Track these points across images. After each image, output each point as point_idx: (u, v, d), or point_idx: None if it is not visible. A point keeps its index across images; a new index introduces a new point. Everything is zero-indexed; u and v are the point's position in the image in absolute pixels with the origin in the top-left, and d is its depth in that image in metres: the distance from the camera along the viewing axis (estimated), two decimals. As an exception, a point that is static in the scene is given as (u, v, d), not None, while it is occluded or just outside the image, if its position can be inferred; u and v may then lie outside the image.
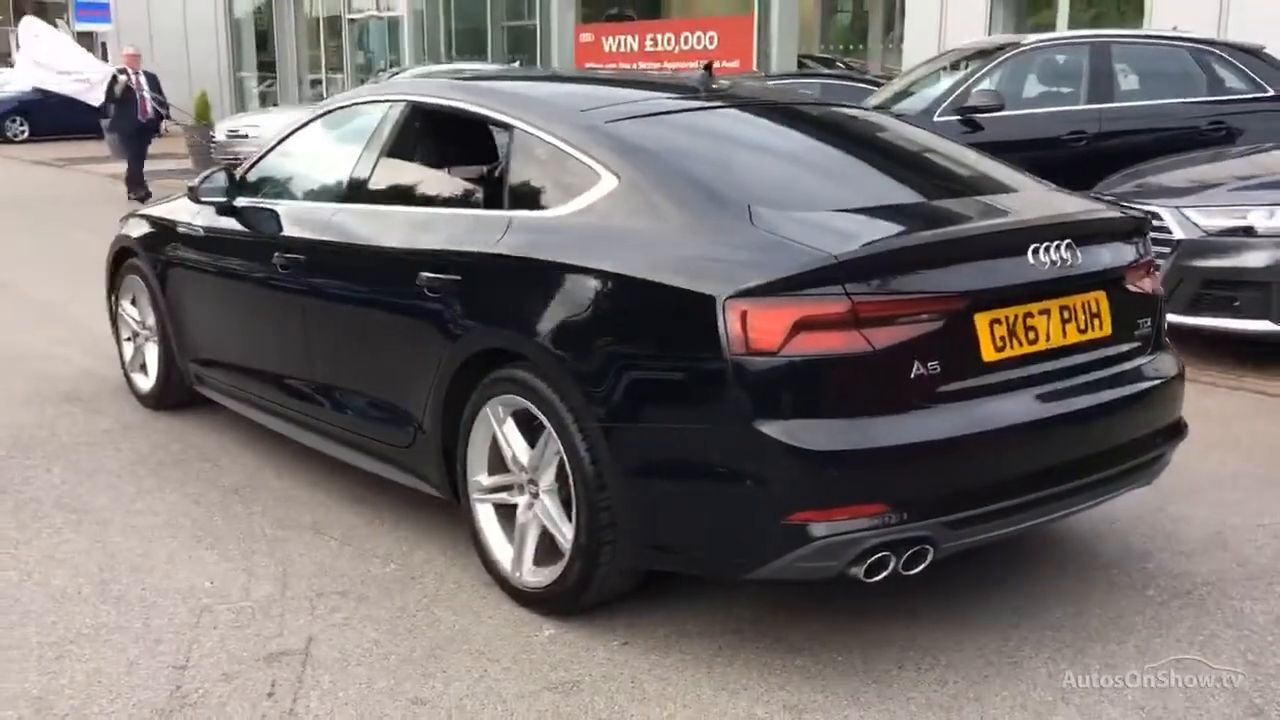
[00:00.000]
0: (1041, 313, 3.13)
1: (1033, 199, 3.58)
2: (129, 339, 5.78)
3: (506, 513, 3.58)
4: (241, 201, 4.77)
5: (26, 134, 24.54)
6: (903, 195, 3.57)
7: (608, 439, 3.12)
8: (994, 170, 3.76)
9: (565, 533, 3.31)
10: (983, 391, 3.01)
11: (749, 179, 3.38)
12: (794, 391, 2.87)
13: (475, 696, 3.02)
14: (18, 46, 16.00)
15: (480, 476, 3.61)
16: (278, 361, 4.61)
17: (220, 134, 15.36)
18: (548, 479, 3.39)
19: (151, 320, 5.50)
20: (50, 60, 14.76)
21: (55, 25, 17.99)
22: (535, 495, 3.44)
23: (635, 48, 17.68)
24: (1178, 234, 6.13)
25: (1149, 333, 3.46)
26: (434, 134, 4.18)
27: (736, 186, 3.26)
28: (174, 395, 5.48)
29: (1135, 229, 3.50)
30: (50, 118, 24.58)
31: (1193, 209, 6.23)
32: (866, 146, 3.99)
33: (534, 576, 3.44)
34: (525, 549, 3.48)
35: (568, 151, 3.50)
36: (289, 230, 4.44)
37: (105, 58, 30.95)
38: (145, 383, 5.65)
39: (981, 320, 3.01)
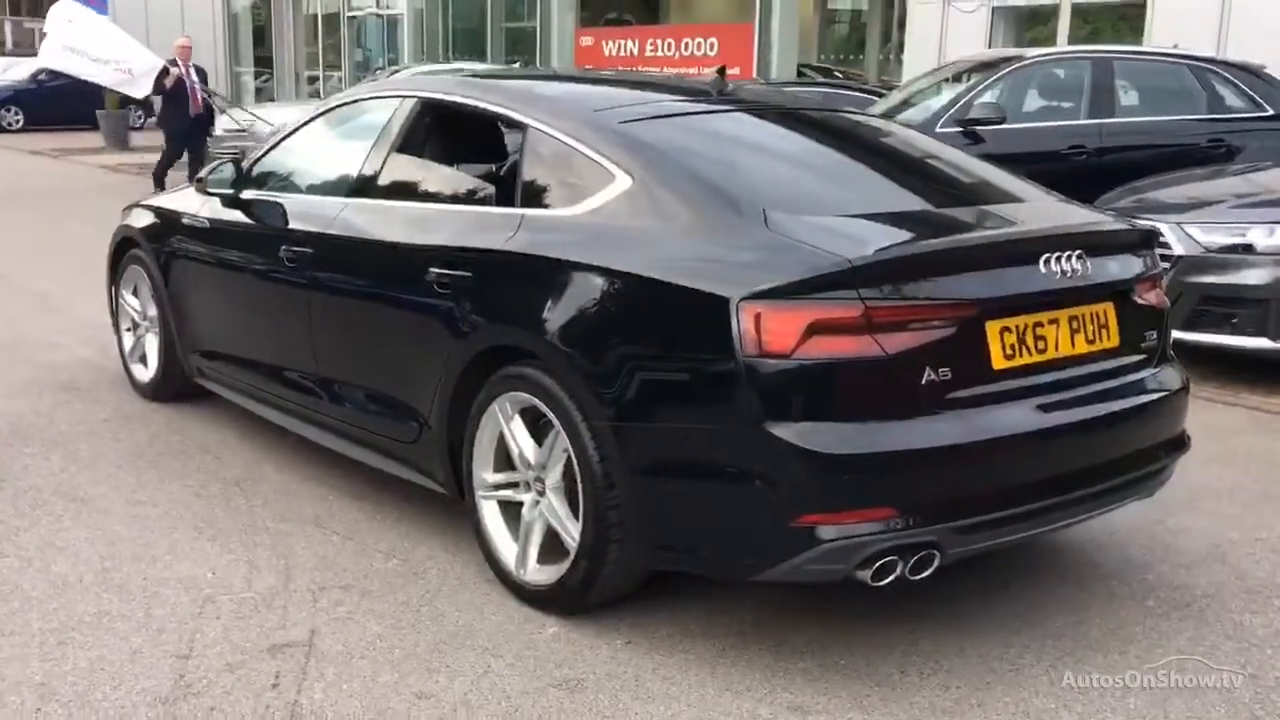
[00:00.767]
0: (1051, 322, 3.15)
1: (1042, 209, 3.60)
2: (129, 329, 5.77)
3: (511, 510, 3.58)
4: (248, 194, 4.77)
5: (21, 123, 24.46)
6: (914, 202, 3.60)
7: (616, 438, 3.13)
8: (1002, 180, 3.78)
9: (571, 531, 3.32)
10: (991, 399, 3.03)
11: (762, 182, 3.40)
12: (805, 394, 2.88)
13: (480, 692, 3.02)
14: (43, 32, 15.27)
15: (486, 473, 3.62)
16: (282, 354, 4.61)
17: (219, 129, 15.28)
18: (554, 477, 3.39)
19: (153, 311, 5.49)
20: (86, 46, 13.56)
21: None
22: (541, 493, 3.45)
23: (635, 52, 17.72)
24: (1177, 250, 6.16)
25: (1155, 345, 3.48)
26: (445, 131, 4.19)
27: (750, 189, 3.27)
28: (173, 387, 5.48)
29: (1143, 242, 3.53)
30: (45, 107, 24.57)
31: (1193, 225, 6.27)
32: (878, 153, 4.01)
33: (538, 574, 3.45)
34: (530, 547, 3.48)
35: (581, 151, 3.51)
36: (296, 223, 4.44)
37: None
38: (144, 374, 5.64)
39: (992, 328, 3.03)
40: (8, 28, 39.78)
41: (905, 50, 15.44)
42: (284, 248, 4.37)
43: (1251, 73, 8.84)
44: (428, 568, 3.76)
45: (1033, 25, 14.75)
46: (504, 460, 3.58)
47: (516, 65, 19.52)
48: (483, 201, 3.89)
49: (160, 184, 13.32)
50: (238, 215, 4.78)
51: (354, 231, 4.15)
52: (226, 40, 26.70)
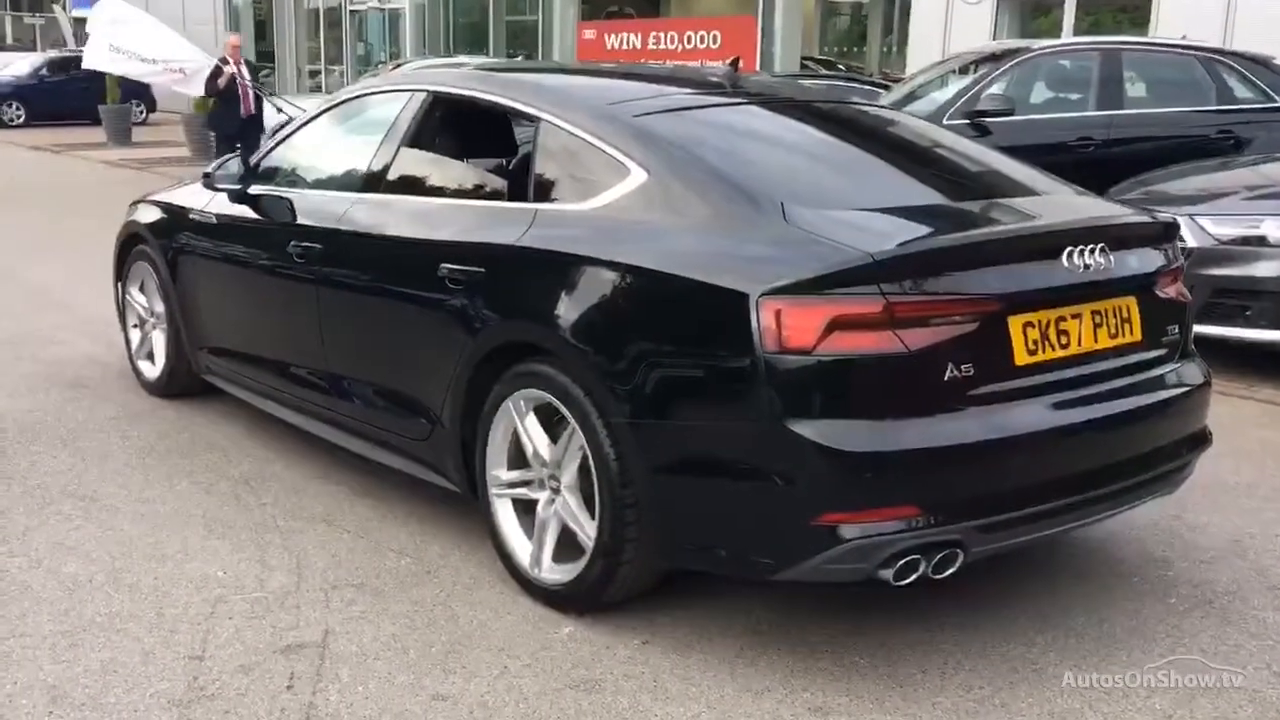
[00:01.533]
0: (1074, 317, 3.11)
1: (1061, 201, 3.56)
2: (136, 326, 5.73)
3: (526, 508, 3.55)
4: (256, 189, 4.73)
5: (23, 119, 24.41)
6: (932, 195, 3.56)
7: (633, 435, 3.09)
8: (1020, 172, 3.73)
9: (587, 530, 3.28)
10: (1014, 395, 2.98)
11: (780, 175, 3.36)
12: (827, 391, 2.84)
13: (496, 693, 2.99)
14: (80, 36, 14.69)
15: (500, 471, 3.58)
16: (291, 351, 4.57)
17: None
18: (570, 475, 3.35)
19: (160, 307, 5.45)
20: (134, 46, 13.28)
21: (54, 10, 16.83)
22: (556, 491, 3.41)
23: (637, 46, 17.63)
24: (1190, 242, 6.10)
25: (1177, 339, 3.44)
26: (456, 125, 4.15)
27: (768, 183, 3.23)
28: (180, 384, 5.44)
29: (1165, 234, 3.48)
30: (47, 102, 24.53)
31: (1205, 217, 6.22)
32: (894, 145, 3.96)
33: (554, 573, 3.41)
34: (545, 545, 3.44)
35: (595, 145, 3.47)
36: (305, 219, 4.40)
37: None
38: (152, 370, 5.60)
39: (1015, 323, 2.98)
40: (8, 23, 39.72)
41: (909, 43, 15.39)
42: (292, 243, 4.33)
43: (1261, 64, 8.79)
44: (441, 566, 3.72)
45: (1037, 17, 14.70)
46: (518, 458, 3.54)
47: (519, 59, 19.47)
48: (495, 196, 3.86)
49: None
50: (245, 211, 4.74)
51: (363, 227, 4.11)
52: (228, 34, 26.61)
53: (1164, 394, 3.32)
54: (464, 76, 4.24)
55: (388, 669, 3.09)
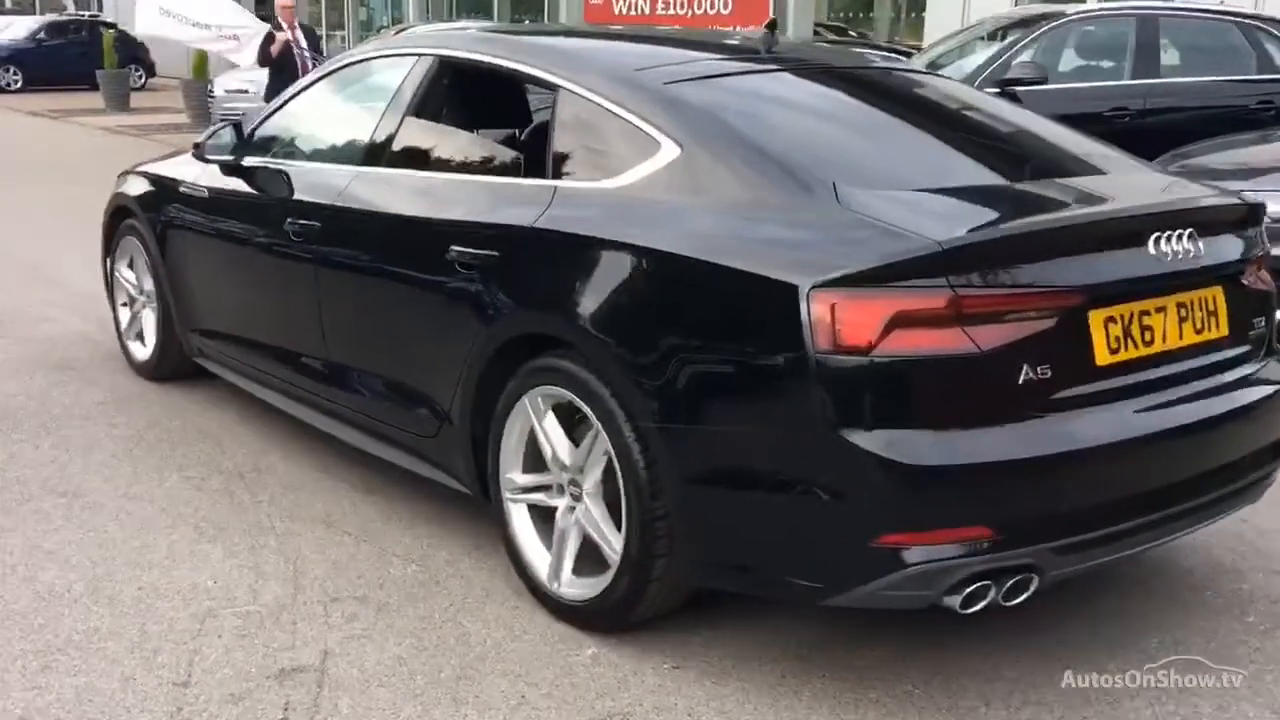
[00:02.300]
0: (1158, 310, 2.78)
1: (1136, 181, 3.23)
2: (125, 304, 5.42)
3: (543, 515, 3.24)
4: (250, 160, 4.39)
5: (20, 84, 23.99)
6: (995, 174, 3.21)
7: (665, 440, 2.78)
8: (1085, 146, 3.40)
9: (612, 542, 2.97)
10: (1096, 399, 2.66)
11: (829, 151, 3.02)
12: (888, 396, 2.52)
13: (513, 728, 2.69)
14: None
15: (515, 474, 3.27)
16: (287, 336, 4.25)
17: (219, 89, 14.82)
18: (593, 481, 3.04)
19: (150, 286, 5.13)
20: (184, 9, 12.40)
21: None
22: (577, 498, 3.10)
23: (647, 10, 17.18)
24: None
25: (1263, 334, 3.11)
26: (467, 92, 3.81)
27: (817, 159, 2.89)
28: (172, 366, 5.13)
29: (1251, 216, 3.15)
30: (45, 67, 24.13)
31: (1249, 194, 5.84)
32: (949, 118, 3.60)
33: (574, 588, 3.10)
34: (565, 557, 3.14)
35: (621, 115, 3.13)
36: (303, 194, 4.07)
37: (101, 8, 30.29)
38: (142, 352, 5.29)
39: (1096, 318, 2.65)
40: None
41: (926, 8, 14.94)
42: (289, 220, 4.00)
43: (1303, 31, 8.40)
44: (449, 576, 3.42)
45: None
46: (535, 460, 3.23)
47: (526, 24, 19.03)
48: (509, 172, 3.52)
49: None
50: (239, 184, 4.41)
51: (365, 204, 3.78)
52: (227, -1, 26.09)
53: (1252, 395, 2.99)
54: (473, 40, 3.88)
55: (392, 698, 2.79)
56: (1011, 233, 2.66)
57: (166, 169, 5.04)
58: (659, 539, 2.84)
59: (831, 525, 2.59)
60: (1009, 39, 8.53)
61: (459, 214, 3.43)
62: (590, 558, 3.09)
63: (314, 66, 10.40)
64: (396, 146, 3.81)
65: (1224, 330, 2.95)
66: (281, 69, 11.16)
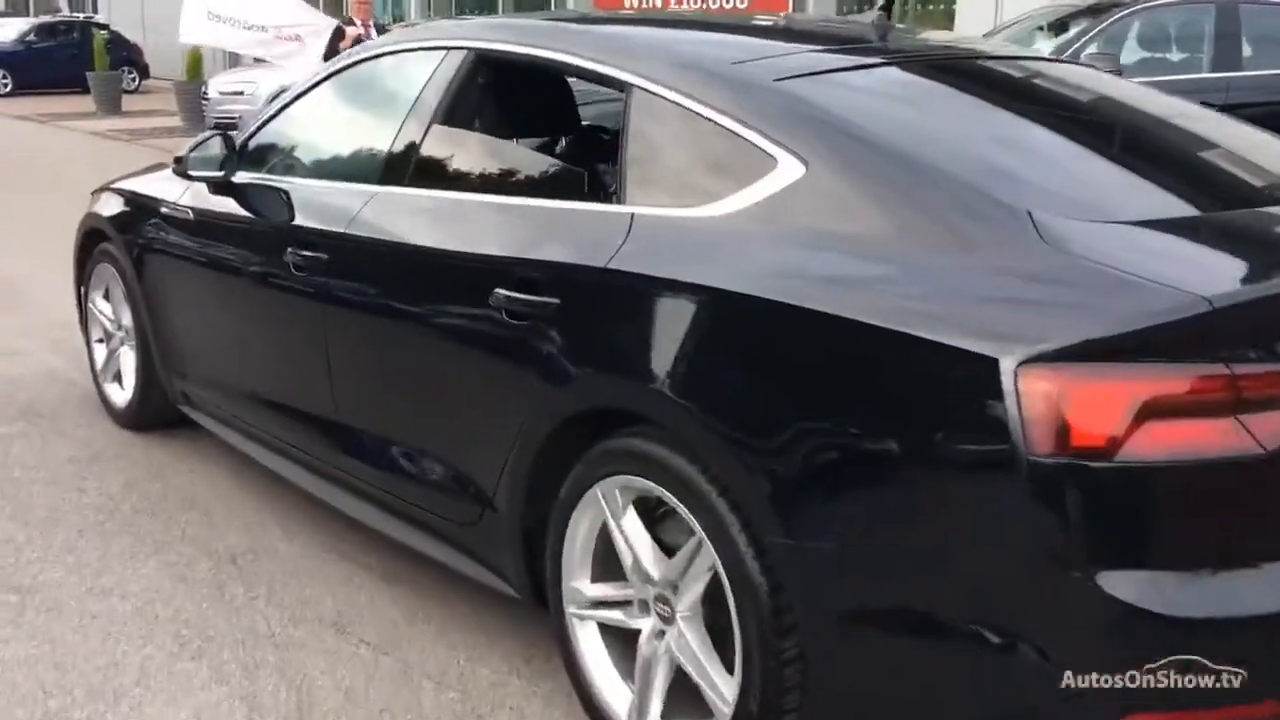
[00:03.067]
0: None
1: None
2: (101, 340, 4.69)
3: (621, 636, 2.52)
4: (243, 177, 3.66)
5: (10, 87, 23.26)
6: (1217, 199, 2.43)
7: (798, 560, 2.06)
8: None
9: (721, 687, 2.25)
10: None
11: (1010, 171, 2.27)
12: (1139, 518, 1.79)
13: None
14: (74, 1, 12.43)
15: (582, 583, 2.54)
16: (288, 389, 3.53)
17: (213, 91, 14.07)
18: (690, 600, 2.32)
19: (128, 320, 4.41)
20: (235, 12, 11.24)
21: None
22: (668, 619, 2.38)
23: (659, 3, 16.49)
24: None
25: None
26: (510, 94, 3.07)
27: (998, 181, 2.16)
28: (155, 413, 4.41)
29: None
30: (34, 70, 23.43)
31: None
32: (1134, 125, 2.81)
33: (668, 738, 2.38)
34: (652, 697, 2.41)
35: (721, 123, 2.40)
36: (306, 218, 3.35)
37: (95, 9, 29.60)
38: (120, 396, 4.56)
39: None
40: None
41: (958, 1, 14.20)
42: (290, 250, 3.28)
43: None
44: (496, 706, 2.69)
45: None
46: (609, 564, 2.51)
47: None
48: (567, 194, 2.77)
49: None
50: (229, 205, 3.69)
51: (383, 232, 3.06)
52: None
53: None
54: (517, 29, 3.12)
55: None
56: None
57: (146, 185, 4.31)
58: (788, 690, 2.12)
59: (1046, 695, 1.85)
60: (1078, 28, 7.82)
61: (504, 248, 2.71)
62: (685, 696, 2.37)
63: None
64: (421, 161, 3.07)
65: None
66: None
